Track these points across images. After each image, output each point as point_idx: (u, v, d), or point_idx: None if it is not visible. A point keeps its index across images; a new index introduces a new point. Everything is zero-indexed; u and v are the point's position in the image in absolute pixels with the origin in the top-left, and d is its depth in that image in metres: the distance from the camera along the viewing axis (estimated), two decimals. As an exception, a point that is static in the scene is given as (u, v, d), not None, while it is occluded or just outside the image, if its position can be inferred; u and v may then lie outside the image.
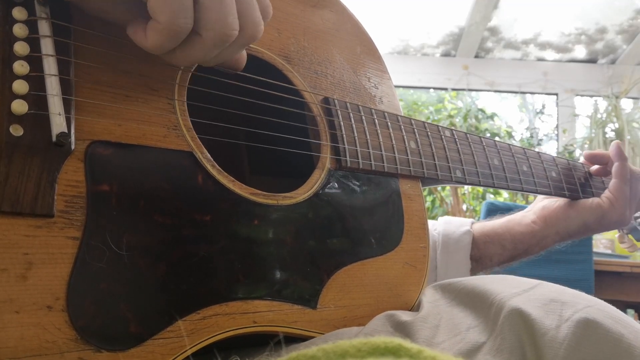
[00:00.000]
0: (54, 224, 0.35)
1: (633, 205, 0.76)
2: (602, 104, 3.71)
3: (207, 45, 0.38)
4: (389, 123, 0.58)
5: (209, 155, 0.44)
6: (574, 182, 0.78)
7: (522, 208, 0.84)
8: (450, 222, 0.78)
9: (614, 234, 2.41)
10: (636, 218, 0.82)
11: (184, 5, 0.36)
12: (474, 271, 0.74)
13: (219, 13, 0.37)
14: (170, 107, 0.43)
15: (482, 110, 3.62)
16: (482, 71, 3.78)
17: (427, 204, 3.22)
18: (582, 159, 0.83)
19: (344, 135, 0.53)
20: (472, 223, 0.78)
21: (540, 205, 0.79)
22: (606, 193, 0.76)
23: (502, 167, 0.68)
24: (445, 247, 0.74)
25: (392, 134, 0.57)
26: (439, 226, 0.78)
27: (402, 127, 0.59)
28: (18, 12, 0.37)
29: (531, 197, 3.15)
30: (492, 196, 3.34)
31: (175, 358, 0.38)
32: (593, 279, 2.01)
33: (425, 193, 0.60)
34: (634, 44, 3.61)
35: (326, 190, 0.50)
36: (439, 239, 0.75)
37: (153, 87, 0.43)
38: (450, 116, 3.55)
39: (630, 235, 0.87)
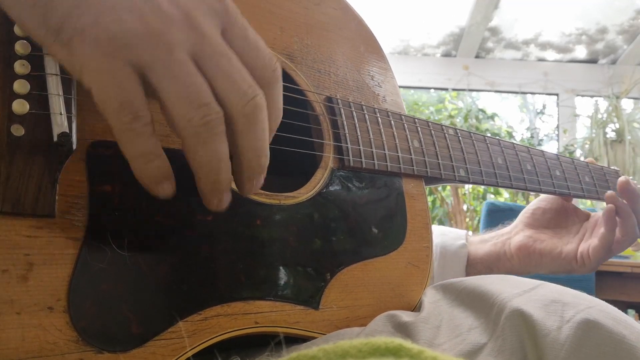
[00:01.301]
0: (55, 225, 0.35)
1: (606, 259, 0.74)
2: (603, 104, 3.71)
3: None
4: (392, 122, 0.58)
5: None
6: (578, 180, 0.77)
7: (522, 208, 0.84)
8: (446, 234, 0.80)
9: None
10: None
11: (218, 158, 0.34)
12: None
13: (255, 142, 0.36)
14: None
15: (482, 111, 3.62)
16: (483, 71, 3.78)
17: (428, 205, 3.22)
18: (582, 158, 0.82)
19: (347, 135, 0.53)
20: (467, 236, 0.80)
21: (520, 241, 0.76)
22: (583, 251, 0.73)
23: (506, 166, 0.68)
24: (443, 258, 0.76)
25: (395, 133, 0.57)
26: (435, 238, 0.78)
27: (406, 126, 0.59)
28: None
29: (531, 197, 3.15)
30: (492, 196, 3.34)
31: (176, 359, 0.38)
32: (594, 279, 2.01)
33: (426, 193, 0.60)
34: (634, 44, 3.61)
35: (329, 189, 0.50)
36: (436, 251, 0.77)
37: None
38: (451, 116, 3.55)
39: None
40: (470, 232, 0.82)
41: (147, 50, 0.32)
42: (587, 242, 0.74)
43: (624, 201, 0.73)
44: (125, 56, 0.31)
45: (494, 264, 0.77)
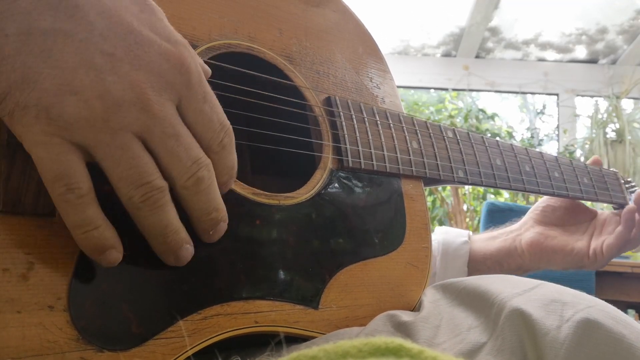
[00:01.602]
0: (55, 224, 0.35)
1: (617, 255, 0.77)
2: (603, 104, 3.71)
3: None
4: (391, 123, 0.58)
5: (210, 155, 0.43)
6: (576, 182, 0.77)
7: (522, 208, 0.84)
8: (448, 232, 0.81)
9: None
10: None
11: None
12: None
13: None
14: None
15: (482, 111, 3.61)
16: (483, 71, 3.78)
17: (428, 205, 3.22)
18: (582, 158, 0.83)
19: (346, 135, 0.53)
20: (469, 235, 0.81)
21: (531, 237, 0.78)
22: (596, 247, 0.76)
23: (505, 167, 0.68)
24: (445, 254, 0.77)
25: (394, 134, 0.57)
26: (438, 235, 0.81)
27: (404, 127, 0.59)
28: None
29: (532, 197, 3.15)
30: (492, 196, 3.34)
31: (176, 358, 0.38)
32: (594, 279, 2.01)
33: (425, 193, 0.60)
34: (634, 44, 3.61)
35: (328, 190, 0.50)
36: (438, 247, 0.79)
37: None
38: (451, 116, 3.55)
39: None
40: (471, 233, 0.83)
41: (88, 135, 0.32)
42: (600, 239, 0.76)
43: None
44: (64, 136, 0.32)
45: (504, 259, 0.78)
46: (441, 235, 0.81)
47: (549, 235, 0.77)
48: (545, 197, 0.82)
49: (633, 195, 0.78)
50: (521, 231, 0.79)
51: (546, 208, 0.81)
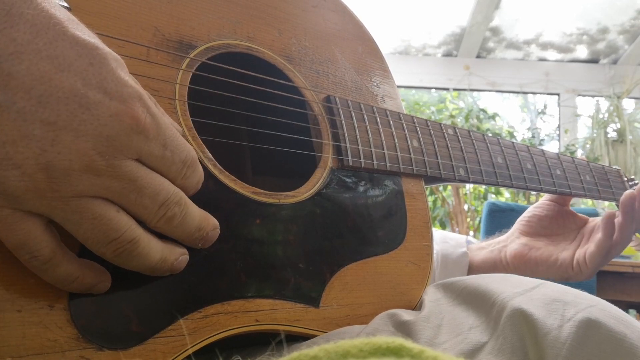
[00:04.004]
0: (55, 223, 0.35)
1: (603, 264, 0.73)
2: (604, 104, 3.71)
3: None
4: (391, 121, 0.58)
5: (210, 155, 0.43)
6: (579, 179, 0.77)
7: (523, 208, 0.84)
8: (447, 241, 0.79)
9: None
10: None
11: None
12: None
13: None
14: (171, 107, 0.43)
15: (483, 111, 3.61)
16: (484, 71, 3.78)
17: (429, 204, 3.22)
18: (584, 157, 0.82)
19: (346, 134, 0.53)
20: (467, 242, 0.80)
21: (516, 249, 0.76)
22: (579, 257, 0.72)
23: (506, 166, 0.68)
24: (444, 266, 0.77)
25: (394, 133, 0.57)
26: (436, 245, 0.79)
27: (405, 125, 0.59)
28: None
29: (533, 197, 3.14)
30: (493, 196, 3.34)
31: (176, 357, 0.38)
32: (595, 279, 2.00)
33: (427, 193, 0.60)
34: (635, 44, 3.61)
35: (328, 189, 0.50)
36: (437, 259, 0.77)
37: (154, 88, 0.43)
38: (452, 116, 3.55)
39: (638, 234, 0.86)
40: (471, 238, 0.82)
41: (40, 204, 0.31)
42: (584, 248, 0.73)
43: (637, 206, 0.71)
44: (14, 207, 0.31)
45: (490, 271, 0.77)
46: (440, 244, 0.79)
47: (533, 247, 0.75)
48: (531, 207, 0.80)
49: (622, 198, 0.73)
50: (507, 242, 0.78)
51: (531, 218, 0.79)
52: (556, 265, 0.73)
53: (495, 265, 0.77)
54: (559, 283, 0.44)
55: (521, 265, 0.74)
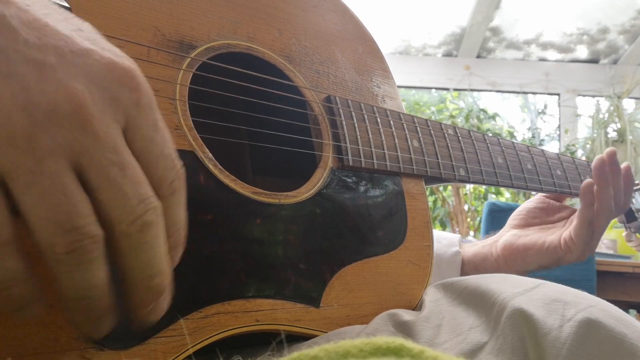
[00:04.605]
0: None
1: (595, 242, 0.72)
2: (604, 104, 3.71)
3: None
4: (392, 121, 0.58)
5: (210, 154, 0.43)
6: (579, 180, 0.77)
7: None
8: (439, 240, 0.79)
9: (617, 234, 2.41)
10: None
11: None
12: None
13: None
14: (171, 107, 0.43)
15: (484, 111, 3.61)
16: (484, 71, 3.78)
17: (429, 204, 3.22)
18: (583, 159, 0.82)
19: (346, 134, 0.53)
20: (460, 240, 0.80)
21: (505, 239, 0.76)
22: (565, 235, 0.72)
23: (506, 166, 0.68)
24: (438, 266, 0.76)
25: (394, 133, 0.57)
26: None
27: (405, 125, 0.59)
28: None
29: (533, 197, 3.14)
30: (494, 196, 3.34)
31: (177, 357, 0.38)
32: (595, 279, 2.00)
33: (427, 193, 0.60)
34: (635, 44, 3.61)
35: (329, 189, 0.50)
36: None
37: (154, 87, 0.42)
38: (452, 116, 3.55)
39: (638, 235, 0.86)
40: (471, 238, 0.82)
41: (8, 157, 0.25)
42: (569, 227, 0.73)
43: (608, 169, 0.70)
44: None
45: (480, 264, 0.77)
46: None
47: (521, 235, 0.75)
48: (522, 204, 0.81)
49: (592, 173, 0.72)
50: (498, 238, 0.78)
51: (521, 211, 0.80)
52: (544, 248, 0.72)
53: (486, 258, 0.77)
54: (562, 277, 0.44)
55: (511, 254, 0.74)
